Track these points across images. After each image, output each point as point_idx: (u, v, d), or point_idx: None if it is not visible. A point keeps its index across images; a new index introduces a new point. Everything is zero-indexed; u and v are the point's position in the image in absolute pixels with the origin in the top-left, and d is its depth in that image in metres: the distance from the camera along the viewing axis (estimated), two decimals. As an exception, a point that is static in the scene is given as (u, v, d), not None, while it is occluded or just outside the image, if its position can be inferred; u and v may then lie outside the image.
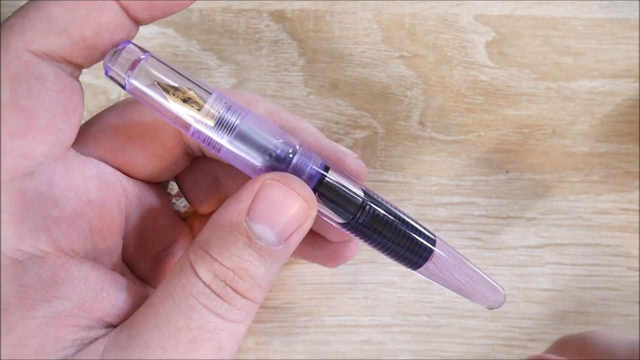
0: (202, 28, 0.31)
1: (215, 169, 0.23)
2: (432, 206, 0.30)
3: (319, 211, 0.19)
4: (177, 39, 0.30)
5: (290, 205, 0.17)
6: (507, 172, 0.31)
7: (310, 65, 0.31)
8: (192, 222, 0.24)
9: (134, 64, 0.17)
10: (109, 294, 0.17)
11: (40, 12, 0.16)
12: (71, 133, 0.17)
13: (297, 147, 0.18)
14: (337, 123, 0.30)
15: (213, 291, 0.16)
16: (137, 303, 0.17)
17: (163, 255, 0.23)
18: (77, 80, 0.18)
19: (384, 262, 0.30)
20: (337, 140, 0.30)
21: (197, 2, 0.31)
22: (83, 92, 0.18)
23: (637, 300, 0.29)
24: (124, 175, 0.20)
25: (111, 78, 0.17)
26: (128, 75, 0.17)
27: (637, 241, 0.30)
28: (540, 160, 0.30)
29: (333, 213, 0.19)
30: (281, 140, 0.18)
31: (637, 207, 0.30)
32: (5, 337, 0.15)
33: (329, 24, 0.31)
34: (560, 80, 0.31)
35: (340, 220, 0.19)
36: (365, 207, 0.18)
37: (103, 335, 0.16)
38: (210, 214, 0.21)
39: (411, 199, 0.30)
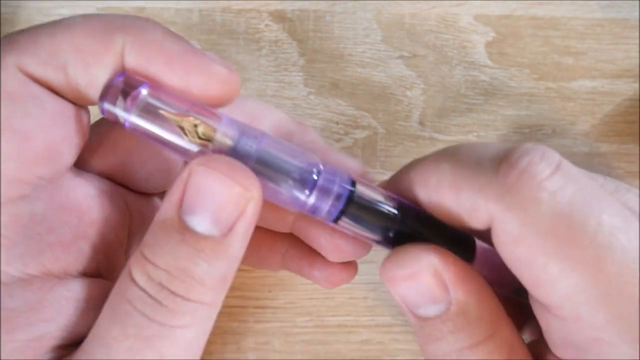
0: (202, 28, 0.31)
1: None
2: (432, 206, 0.30)
3: (353, 230, 0.17)
4: (177, 39, 0.30)
5: (220, 190, 0.15)
6: (507, 172, 0.31)
7: (310, 65, 0.31)
8: None
9: (133, 99, 0.15)
10: (99, 311, 0.16)
11: (48, 39, 0.15)
12: (71, 155, 0.17)
13: (321, 167, 0.17)
14: (337, 123, 0.30)
15: (149, 295, 0.15)
16: None
17: None
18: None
19: (384, 262, 0.30)
20: (337, 141, 0.30)
21: (197, 2, 0.31)
22: (89, 112, 0.17)
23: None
24: (126, 190, 0.20)
25: (109, 116, 0.16)
26: (128, 113, 0.15)
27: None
28: (540, 160, 0.31)
29: (367, 230, 0.17)
30: (304, 163, 0.16)
31: (637, 207, 0.30)
32: None
33: (329, 24, 0.31)
34: (560, 80, 0.31)
35: (375, 237, 0.17)
36: (401, 219, 0.17)
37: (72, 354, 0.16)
38: None
39: (411, 199, 0.30)
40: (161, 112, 0.15)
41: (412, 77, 0.31)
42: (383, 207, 0.17)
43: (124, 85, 0.16)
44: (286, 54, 0.31)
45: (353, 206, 0.17)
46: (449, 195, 0.16)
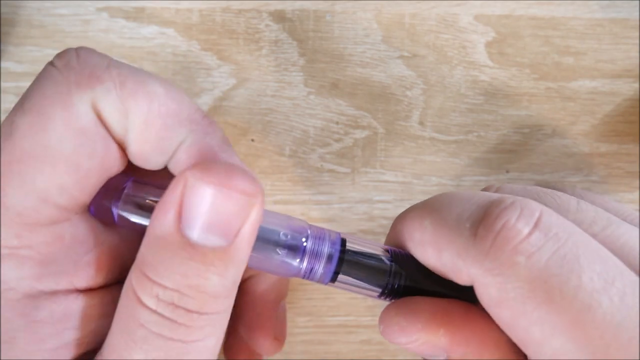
0: (202, 28, 0.31)
1: None
2: (432, 206, 0.30)
3: (352, 287, 0.17)
4: (177, 39, 0.30)
5: (222, 204, 0.14)
6: (507, 172, 0.31)
7: (310, 65, 0.31)
8: None
9: (120, 194, 0.16)
10: None
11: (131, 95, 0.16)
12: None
13: (308, 232, 0.17)
14: (337, 123, 0.30)
15: (163, 317, 0.14)
16: None
17: None
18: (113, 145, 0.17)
19: (384, 262, 0.30)
20: (337, 141, 0.30)
21: (197, 2, 0.31)
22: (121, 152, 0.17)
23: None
24: None
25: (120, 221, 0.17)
26: (117, 206, 0.16)
27: (637, 241, 0.30)
28: (541, 160, 0.30)
29: (363, 287, 0.17)
30: (289, 234, 0.16)
31: (637, 207, 0.30)
32: None
33: (329, 24, 0.31)
34: (561, 80, 0.31)
35: (372, 293, 0.17)
36: (396, 271, 0.17)
37: None
38: None
39: (411, 199, 0.30)
40: (143, 203, 0.16)
41: (412, 77, 0.31)
42: (377, 261, 0.17)
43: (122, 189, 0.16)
44: (286, 54, 0.31)
45: (346, 265, 0.17)
46: (431, 254, 0.16)
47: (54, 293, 0.16)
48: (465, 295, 0.17)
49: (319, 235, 0.17)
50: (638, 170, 0.30)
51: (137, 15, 0.30)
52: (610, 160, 0.31)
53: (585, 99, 0.31)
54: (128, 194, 0.16)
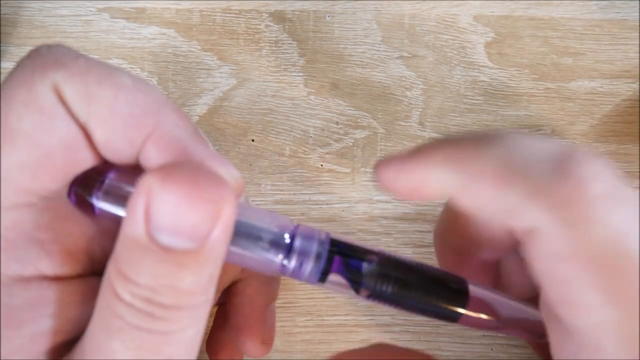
0: (202, 28, 0.31)
1: None
2: (432, 206, 0.30)
3: (338, 288, 0.17)
4: (178, 40, 0.31)
5: (188, 212, 0.13)
6: (506, 172, 0.31)
7: (310, 65, 0.31)
8: None
9: (100, 185, 0.16)
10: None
11: (94, 79, 0.16)
12: (80, 174, 0.17)
13: (292, 228, 0.17)
14: (337, 123, 0.31)
15: (138, 310, 0.14)
16: None
17: None
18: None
19: (384, 262, 0.30)
20: (337, 141, 0.30)
21: (197, 2, 0.31)
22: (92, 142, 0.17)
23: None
24: None
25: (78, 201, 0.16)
26: (97, 197, 0.16)
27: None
28: (540, 160, 0.31)
29: (352, 286, 0.17)
30: (277, 228, 0.16)
31: (636, 207, 0.30)
32: None
33: (329, 24, 0.31)
34: (560, 80, 0.31)
35: (364, 293, 0.17)
36: (384, 274, 0.17)
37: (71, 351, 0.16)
38: None
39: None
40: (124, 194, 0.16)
41: (412, 78, 0.31)
42: (366, 261, 0.17)
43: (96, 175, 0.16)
44: (286, 54, 0.31)
45: (335, 264, 0.17)
46: (491, 191, 0.15)
47: (25, 280, 0.16)
48: (457, 297, 0.17)
49: (308, 234, 0.17)
50: (637, 170, 0.30)
51: (138, 16, 0.31)
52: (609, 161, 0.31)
53: (584, 99, 0.31)
54: (108, 184, 0.16)
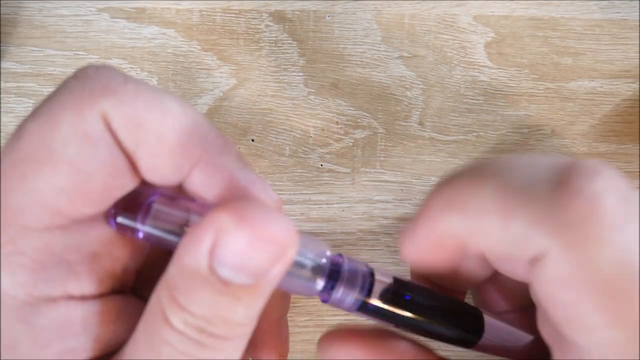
0: (202, 28, 0.31)
1: None
2: (432, 206, 0.30)
3: (373, 316, 0.17)
4: (178, 40, 0.31)
5: (259, 253, 0.14)
6: (506, 172, 0.31)
7: (310, 65, 0.31)
8: None
9: (147, 210, 0.16)
10: (123, 322, 0.16)
11: (147, 112, 0.16)
12: (115, 200, 0.17)
13: (344, 260, 0.17)
14: (337, 123, 0.31)
15: (189, 338, 0.15)
16: None
17: None
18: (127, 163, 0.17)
19: (384, 263, 0.30)
20: (337, 141, 0.30)
21: (197, 2, 0.31)
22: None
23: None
24: None
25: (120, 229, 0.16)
26: (143, 222, 0.16)
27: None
28: (540, 160, 0.31)
29: (387, 317, 0.18)
30: (323, 257, 0.17)
31: (636, 207, 0.30)
32: None
33: (329, 24, 0.31)
34: (560, 80, 0.31)
35: (394, 324, 0.18)
36: (418, 305, 0.18)
37: None
38: None
39: (411, 199, 0.30)
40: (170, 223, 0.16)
41: (411, 77, 0.31)
42: (402, 295, 0.17)
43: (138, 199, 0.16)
44: (286, 54, 0.31)
45: (374, 296, 0.17)
46: (497, 224, 0.14)
47: (52, 300, 0.16)
48: (474, 328, 0.18)
49: (353, 266, 0.17)
50: (637, 170, 0.30)
51: (138, 16, 0.31)
52: (608, 160, 0.31)
53: (584, 99, 0.31)
54: (157, 210, 0.16)
